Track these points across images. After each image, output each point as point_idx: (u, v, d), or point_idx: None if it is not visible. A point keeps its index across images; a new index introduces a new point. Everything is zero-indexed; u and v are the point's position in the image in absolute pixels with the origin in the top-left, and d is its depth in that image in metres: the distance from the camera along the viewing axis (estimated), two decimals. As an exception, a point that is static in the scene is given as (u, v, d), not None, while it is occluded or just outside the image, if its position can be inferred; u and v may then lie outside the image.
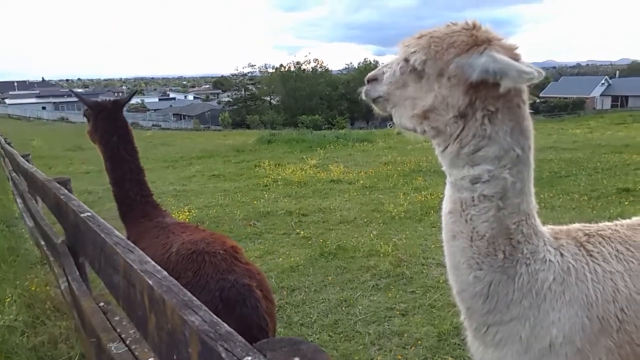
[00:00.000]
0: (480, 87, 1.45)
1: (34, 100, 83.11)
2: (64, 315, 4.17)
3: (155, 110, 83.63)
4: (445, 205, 1.61)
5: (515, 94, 1.50)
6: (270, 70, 72.96)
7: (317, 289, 4.75)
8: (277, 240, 6.41)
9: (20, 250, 6.22)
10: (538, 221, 1.61)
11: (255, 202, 8.59)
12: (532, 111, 1.59)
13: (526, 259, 1.55)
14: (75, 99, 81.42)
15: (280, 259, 5.62)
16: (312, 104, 59.37)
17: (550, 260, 1.57)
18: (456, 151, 1.52)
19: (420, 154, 13.64)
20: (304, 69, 66.21)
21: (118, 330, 2.00)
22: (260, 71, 73.30)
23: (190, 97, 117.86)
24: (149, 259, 1.41)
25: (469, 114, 1.47)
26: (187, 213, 7.78)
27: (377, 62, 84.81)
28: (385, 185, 9.61)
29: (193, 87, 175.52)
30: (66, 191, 2.76)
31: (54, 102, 79.44)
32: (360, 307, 4.29)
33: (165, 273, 1.29)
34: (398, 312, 4.16)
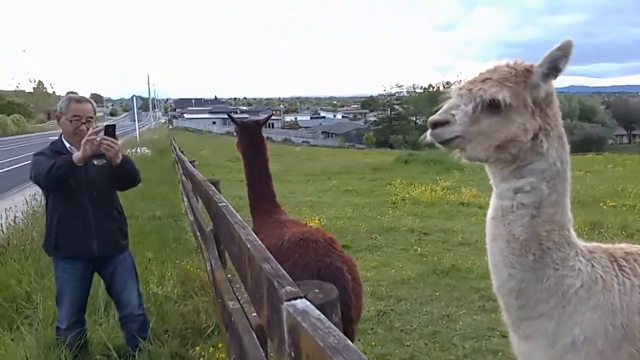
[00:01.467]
0: (542, 109, 1.74)
1: (207, 115, 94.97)
2: (207, 292, 5.08)
3: (306, 127, 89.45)
4: (489, 213, 1.89)
5: (558, 114, 1.78)
6: (418, 90, 72.94)
7: (422, 302, 5.00)
8: (394, 254, 6.76)
9: (182, 240, 7.51)
10: (572, 233, 1.82)
11: (380, 217, 9.04)
12: None
13: (555, 264, 1.77)
14: (240, 116, 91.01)
15: (394, 271, 5.97)
16: (458, 126, 57.41)
17: (579, 268, 1.76)
18: (513, 168, 1.76)
19: (566, 183, 12.68)
20: (454, 90, 64.79)
21: (236, 294, 2.64)
22: (407, 91, 73.74)
23: (339, 116, 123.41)
24: (253, 233, 1.98)
25: (536, 136, 1.74)
26: (317, 222, 8.52)
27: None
28: (517, 212, 9.28)
29: (342, 106, 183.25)
30: (214, 188, 3.56)
31: (223, 118, 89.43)
32: (461, 324, 4.45)
33: (259, 242, 1.84)
34: (499, 333, 4.22)
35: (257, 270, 1.62)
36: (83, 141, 2.98)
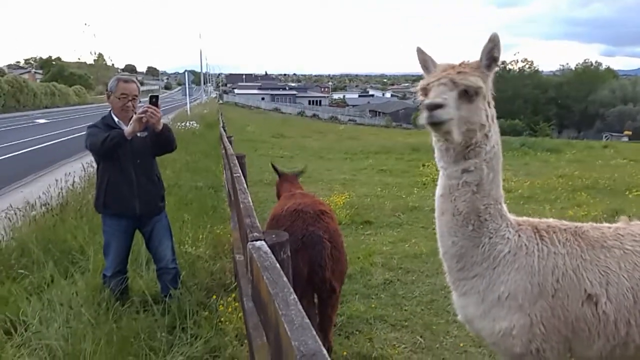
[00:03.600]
0: (489, 97, 2.07)
1: (256, 91, 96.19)
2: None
3: (353, 105, 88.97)
4: (438, 191, 2.24)
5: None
6: (471, 70, 70.38)
7: (428, 275, 5.38)
8: (412, 232, 7.12)
9: (219, 209, 8.15)
10: (504, 207, 2.17)
11: (406, 197, 9.36)
12: None
13: (490, 233, 2.13)
14: (288, 93, 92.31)
15: (408, 246, 6.36)
16: (513, 107, 54.87)
17: (508, 237, 2.13)
18: (465, 152, 2.04)
19: (606, 171, 12.45)
20: (510, 69, 62.45)
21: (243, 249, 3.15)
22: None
23: (388, 94, 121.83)
24: (249, 198, 2.47)
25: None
26: (346, 198, 8.94)
27: (600, 64, 74.48)
28: (545, 197, 9.33)
29: (392, 84, 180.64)
30: (236, 161, 4.08)
31: (271, 94, 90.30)
32: (459, 295, 4.81)
33: (250, 204, 2.32)
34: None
35: (243, 224, 2.10)
36: (133, 118, 3.55)
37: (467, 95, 1.98)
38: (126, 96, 3.81)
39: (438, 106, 1.91)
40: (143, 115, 3.50)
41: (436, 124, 1.94)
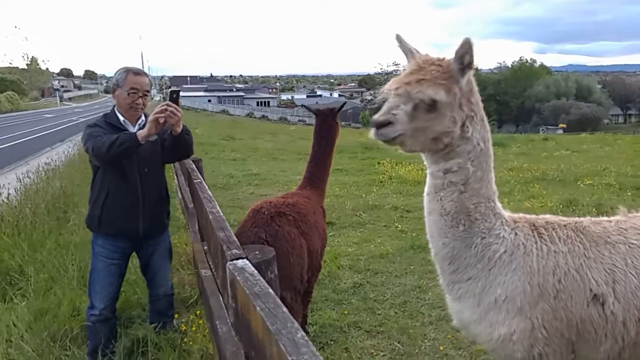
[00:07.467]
0: (467, 98, 1.91)
1: (202, 93, 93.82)
2: (192, 267, 5.31)
3: (302, 106, 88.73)
4: (425, 189, 2.11)
5: (479, 99, 1.96)
6: (415, 69, 72.01)
7: (397, 275, 5.26)
8: (376, 231, 7.00)
9: (172, 217, 7.69)
10: (498, 205, 2.04)
11: (366, 195, 9.26)
12: None
13: (482, 233, 1.99)
14: (236, 94, 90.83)
15: (373, 246, 6.22)
16: (455, 105, 56.69)
17: (503, 236, 1.99)
18: (441, 152, 1.96)
19: (552, 162, 12.95)
20: (450, 68, 64.33)
21: (209, 263, 2.86)
22: (404, 69, 73.14)
23: (336, 94, 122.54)
24: (217, 207, 2.19)
25: (463, 123, 1.93)
26: (305, 199, 8.72)
27: (534, 61, 78.44)
28: (500, 190, 9.48)
29: (339, 85, 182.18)
30: (194, 166, 3.75)
31: (218, 96, 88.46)
32: (431, 294, 4.71)
33: (221, 214, 2.05)
34: (466, 303, 4.49)
35: (215, 239, 1.83)
36: (150, 119, 2.87)
37: (425, 104, 1.86)
38: (136, 91, 3.14)
39: (384, 124, 1.86)
40: (161, 115, 2.83)
41: (386, 141, 1.90)
